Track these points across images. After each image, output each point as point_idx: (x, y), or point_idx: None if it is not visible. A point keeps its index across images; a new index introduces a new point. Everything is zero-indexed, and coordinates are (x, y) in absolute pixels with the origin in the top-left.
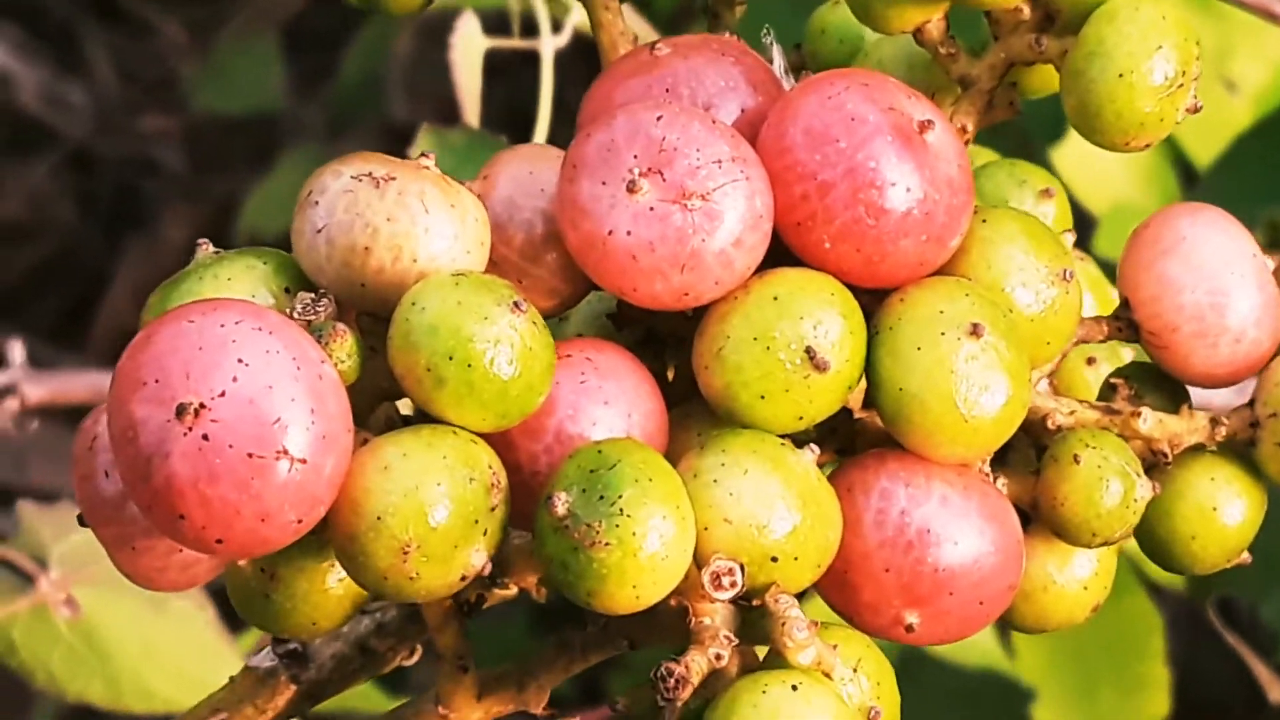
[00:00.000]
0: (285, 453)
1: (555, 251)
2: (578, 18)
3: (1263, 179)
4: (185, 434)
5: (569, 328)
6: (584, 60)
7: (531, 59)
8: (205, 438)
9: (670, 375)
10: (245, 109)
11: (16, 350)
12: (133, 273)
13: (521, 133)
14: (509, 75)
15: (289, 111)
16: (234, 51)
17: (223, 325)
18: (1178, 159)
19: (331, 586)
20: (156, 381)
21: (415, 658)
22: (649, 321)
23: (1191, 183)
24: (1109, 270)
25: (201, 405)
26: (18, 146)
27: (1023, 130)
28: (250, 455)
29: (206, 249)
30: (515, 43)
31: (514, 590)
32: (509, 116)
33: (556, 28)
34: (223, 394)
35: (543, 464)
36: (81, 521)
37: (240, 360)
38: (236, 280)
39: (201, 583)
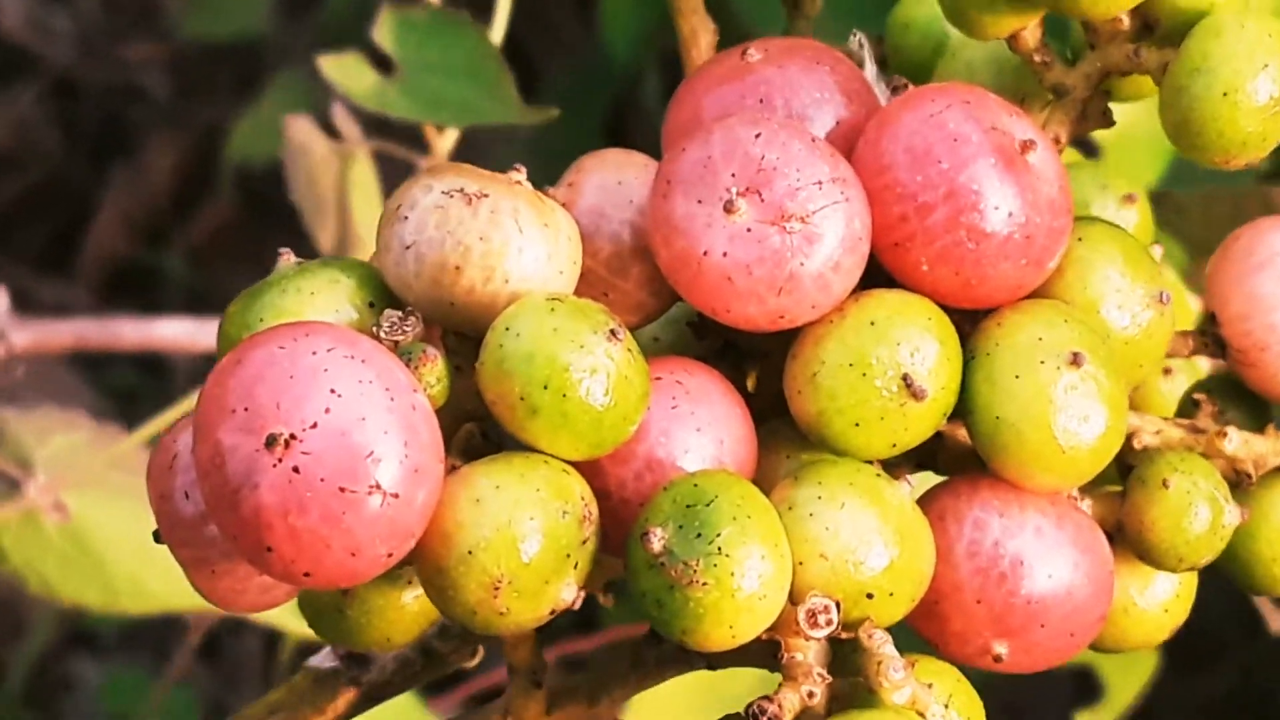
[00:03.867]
0: (378, 487)
1: (642, 265)
2: None
3: None
4: (275, 465)
5: (646, 329)
6: None
7: None
8: (296, 470)
9: (750, 385)
10: (231, 35)
11: (1, 298)
12: (119, 200)
13: (484, 6)
14: None
15: (275, 37)
16: None
17: (314, 353)
18: None
19: (407, 603)
20: (246, 410)
21: (477, 659)
22: (729, 333)
23: None
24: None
25: (292, 436)
26: (2, 74)
27: None
28: (342, 489)
29: (288, 259)
30: None
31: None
32: None
33: None
34: (314, 425)
35: (631, 490)
36: (157, 539)
37: (333, 390)
38: (320, 295)
39: (280, 604)
